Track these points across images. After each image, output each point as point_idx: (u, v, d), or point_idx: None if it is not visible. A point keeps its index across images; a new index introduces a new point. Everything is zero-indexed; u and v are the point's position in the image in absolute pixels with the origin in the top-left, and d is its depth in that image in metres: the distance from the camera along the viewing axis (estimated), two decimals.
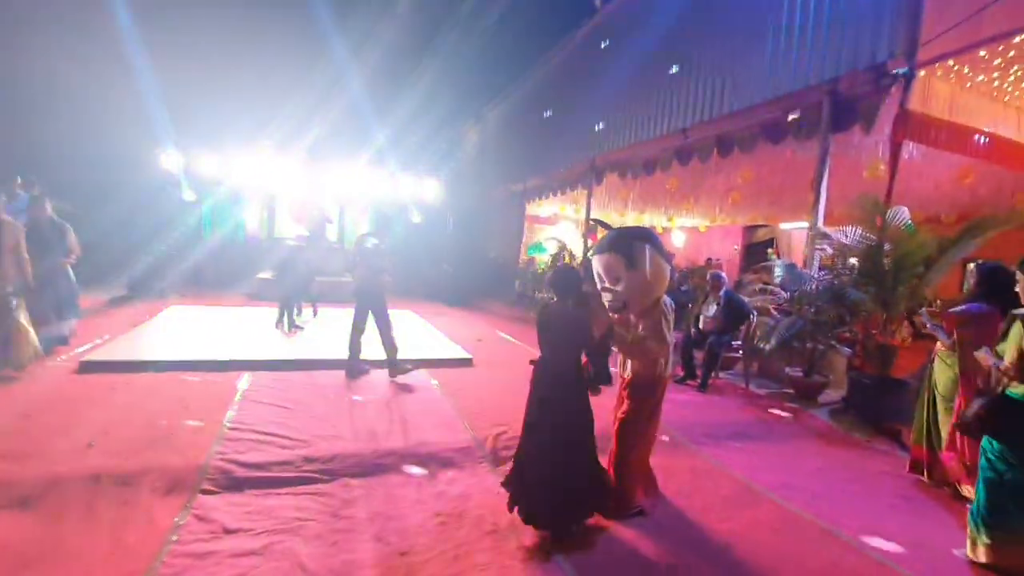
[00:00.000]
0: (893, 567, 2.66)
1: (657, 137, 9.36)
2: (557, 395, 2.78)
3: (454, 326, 8.96)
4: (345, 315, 5.73)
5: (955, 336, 3.42)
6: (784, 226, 16.47)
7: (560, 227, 18.93)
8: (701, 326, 6.03)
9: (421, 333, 7.87)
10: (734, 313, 5.80)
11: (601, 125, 11.16)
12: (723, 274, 6.23)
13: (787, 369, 5.92)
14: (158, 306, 8.66)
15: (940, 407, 3.58)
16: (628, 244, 2.86)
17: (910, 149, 6.50)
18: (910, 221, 5.30)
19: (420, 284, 13.41)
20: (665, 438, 4.16)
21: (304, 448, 3.54)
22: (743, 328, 5.96)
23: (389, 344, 5.45)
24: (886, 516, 3.23)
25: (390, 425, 4.09)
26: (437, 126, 19.06)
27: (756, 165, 8.76)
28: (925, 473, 3.70)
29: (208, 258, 12.37)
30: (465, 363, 6.23)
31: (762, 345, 5.52)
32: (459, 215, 16.17)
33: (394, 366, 5.45)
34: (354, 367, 5.42)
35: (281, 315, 7.38)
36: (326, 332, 7.33)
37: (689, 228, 18.96)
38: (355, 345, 5.42)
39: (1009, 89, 5.47)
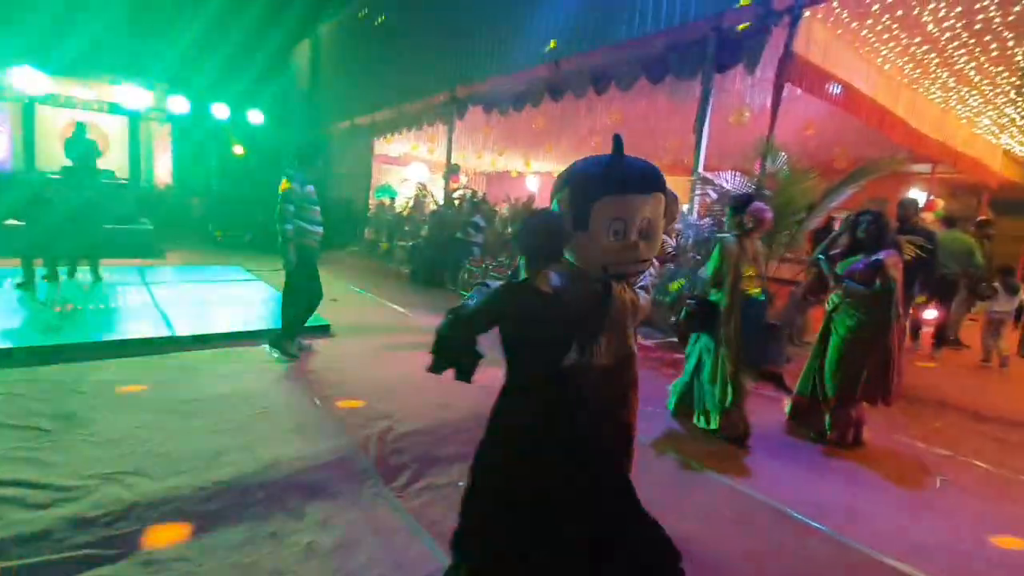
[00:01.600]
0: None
1: (527, 68, 8.52)
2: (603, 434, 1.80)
3: None
4: (133, 274, 4.10)
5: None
6: None
7: (412, 168, 17.45)
8: None
9: (260, 296, 6.32)
10: None
11: (463, 51, 9.95)
12: None
13: (672, 318, 5.78)
14: None
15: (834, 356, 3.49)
16: (663, 182, 2.02)
17: (763, 95, 6.60)
18: (786, 168, 5.33)
19: (253, 234, 11.23)
20: None
21: (70, 502, 2.23)
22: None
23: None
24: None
25: (221, 439, 2.88)
26: (257, 44, 15.86)
27: (625, 107, 8.45)
28: (800, 419, 3.69)
29: None
30: (321, 332, 5.02)
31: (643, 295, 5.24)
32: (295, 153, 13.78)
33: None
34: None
35: (27, 277, 5.30)
36: (111, 301, 5.45)
37: (544, 173, 18.83)
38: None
39: (872, 40, 5.64)
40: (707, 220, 5.81)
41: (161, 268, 7.81)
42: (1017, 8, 4.58)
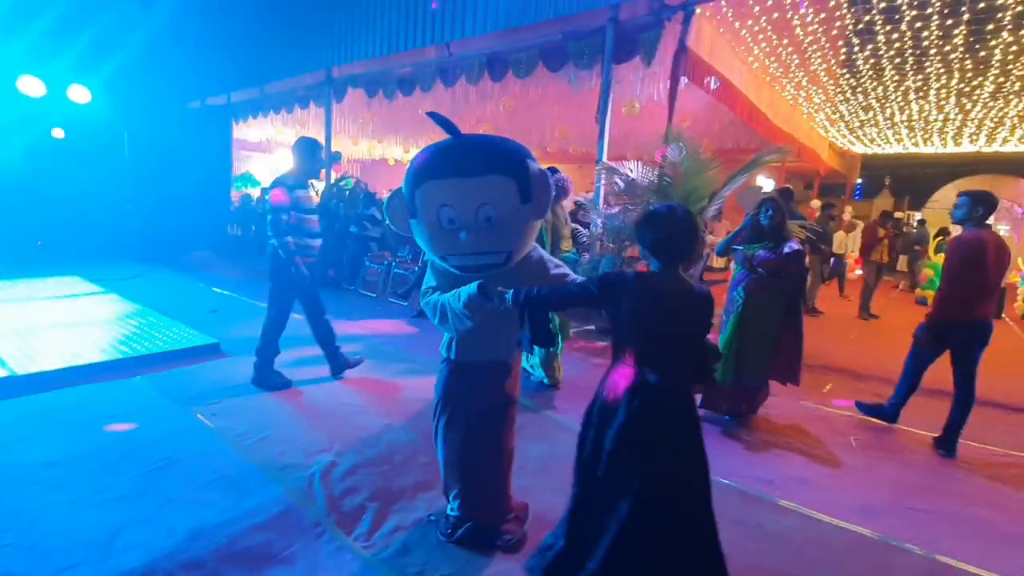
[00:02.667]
0: None
1: (415, 49, 8.02)
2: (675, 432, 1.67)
3: (162, 294, 6.32)
4: None
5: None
6: None
7: (278, 156, 15.85)
8: None
9: (116, 312, 5.20)
10: None
11: (339, 27, 9.08)
12: None
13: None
14: None
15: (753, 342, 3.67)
16: (512, 162, 1.89)
17: (658, 88, 6.94)
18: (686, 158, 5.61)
19: (93, 236, 9.32)
20: None
21: None
22: None
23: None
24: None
25: (112, 512, 2.24)
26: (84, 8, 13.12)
27: (517, 94, 8.36)
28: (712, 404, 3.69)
29: None
30: (209, 353, 4.23)
31: None
32: (137, 136, 11.70)
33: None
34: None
35: None
36: None
37: None
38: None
39: (748, 39, 6.11)
40: (616, 208, 5.94)
41: None
42: (867, 17, 5.23)
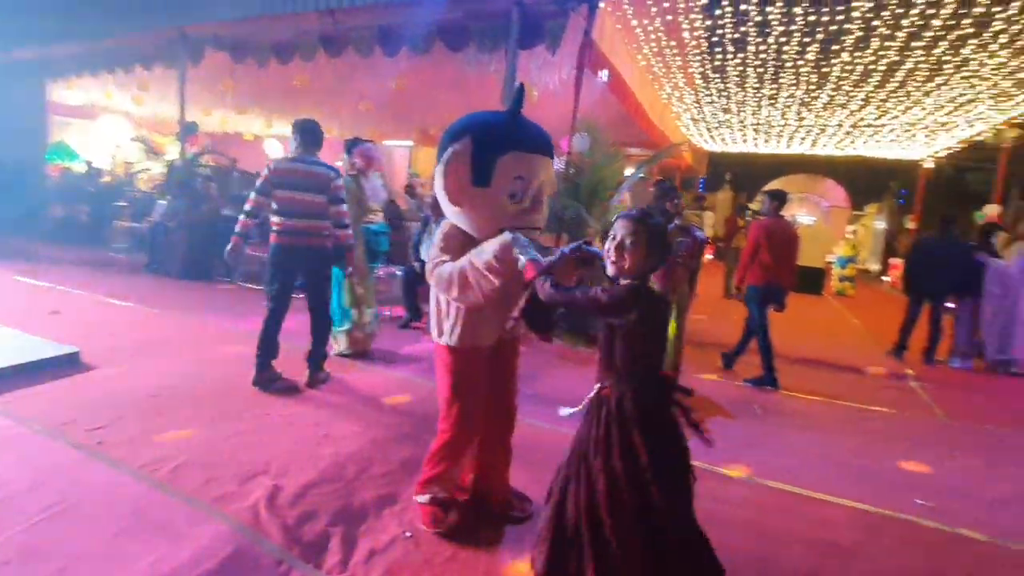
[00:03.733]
0: None
1: (294, 12, 7.21)
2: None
3: None
4: None
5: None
6: (387, 142, 16.53)
7: (103, 123, 13.40)
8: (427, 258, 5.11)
9: None
10: None
11: None
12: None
13: None
14: None
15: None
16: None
17: (554, 78, 7.07)
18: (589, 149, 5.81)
19: None
20: None
21: None
22: None
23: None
24: None
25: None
26: None
27: (414, 73, 7.95)
28: None
29: None
30: (69, 364, 3.42)
31: None
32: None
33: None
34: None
35: None
36: None
37: (286, 139, 16.66)
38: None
39: (641, 37, 6.46)
40: None
41: None
42: (743, 28, 5.82)
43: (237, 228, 3.39)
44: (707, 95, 8.54)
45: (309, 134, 3.42)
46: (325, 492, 2.36)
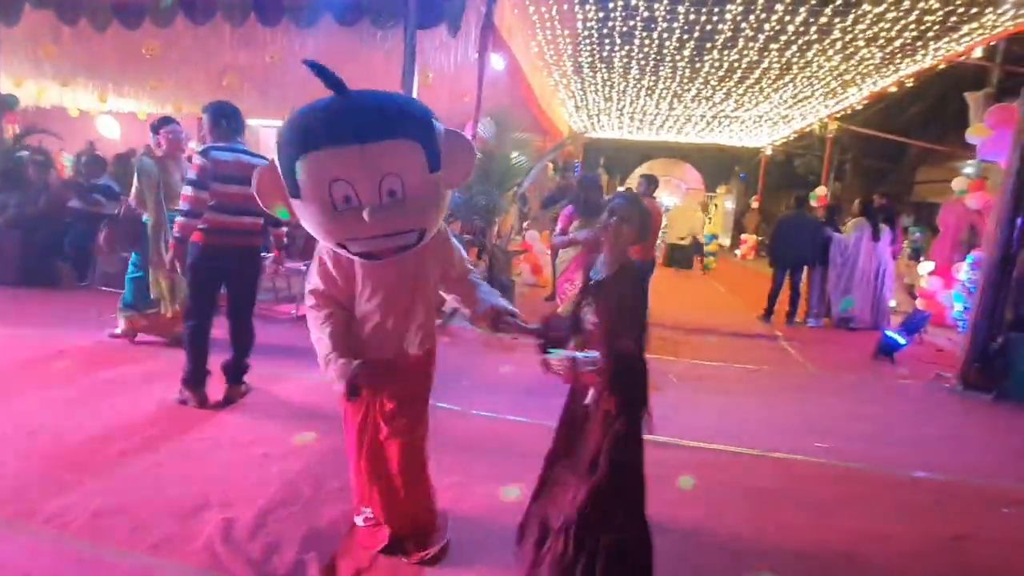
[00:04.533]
0: None
1: None
2: None
3: None
4: None
5: None
6: (252, 122, 15.05)
7: None
8: None
9: None
10: None
11: None
12: None
13: None
14: None
15: None
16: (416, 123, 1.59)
17: (450, 60, 6.94)
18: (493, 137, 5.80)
19: None
20: None
21: None
22: None
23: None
24: None
25: None
26: None
27: (292, 46, 7.24)
28: None
29: None
30: None
31: None
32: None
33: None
34: None
35: None
36: None
37: (126, 114, 14.37)
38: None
39: (536, 24, 6.53)
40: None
41: None
42: (631, 22, 6.16)
43: (176, 232, 2.86)
44: (592, 83, 8.93)
45: (233, 119, 2.99)
46: (285, 517, 2.13)
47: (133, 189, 3.93)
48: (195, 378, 2.99)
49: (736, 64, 7.26)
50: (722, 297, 9.17)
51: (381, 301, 1.74)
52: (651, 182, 5.73)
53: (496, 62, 6.29)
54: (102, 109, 13.58)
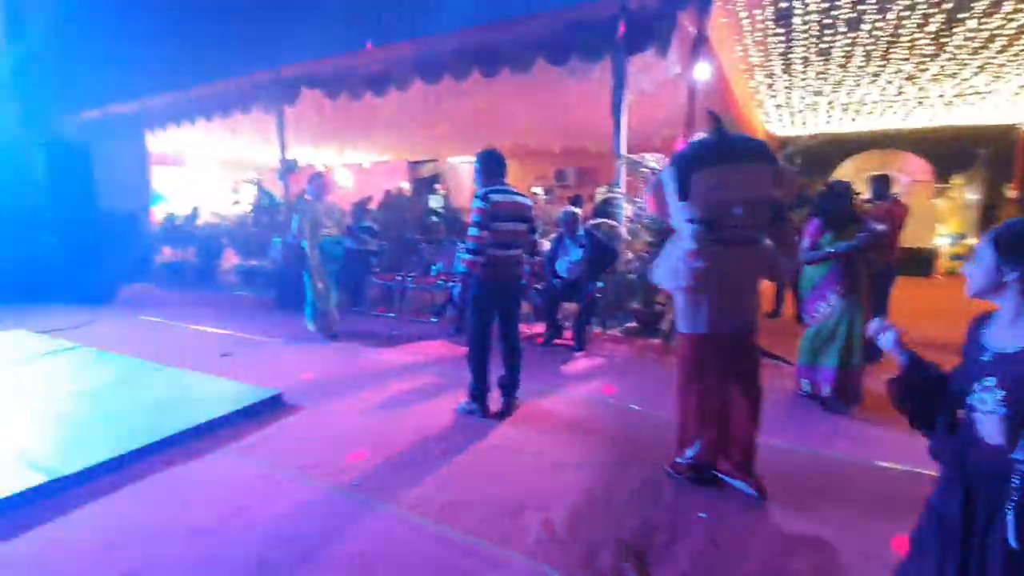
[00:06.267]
0: None
1: (385, 44, 7.40)
2: None
3: (144, 341, 5.31)
4: None
5: None
6: (452, 160, 16.77)
7: (192, 169, 14.11)
8: (566, 274, 5.08)
9: (112, 372, 4.21)
10: (601, 254, 5.08)
11: (288, 21, 8.17)
12: (578, 211, 5.41)
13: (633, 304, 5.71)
14: None
15: None
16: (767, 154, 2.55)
17: (651, 79, 6.93)
18: None
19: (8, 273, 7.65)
20: None
21: None
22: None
23: None
24: None
25: None
26: None
27: (492, 94, 7.93)
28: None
29: None
30: (274, 406, 3.54)
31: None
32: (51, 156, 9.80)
33: None
34: None
35: None
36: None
37: (354, 165, 17.17)
38: None
39: (746, 28, 6.27)
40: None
41: None
42: (861, 7, 5.55)
43: (463, 267, 3.31)
44: (803, 79, 8.22)
45: (499, 163, 3.43)
46: (594, 520, 2.33)
47: (294, 224, 5.25)
48: (480, 392, 3.42)
49: (999, 31, 6.08)
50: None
51: (721, 283, 2.41)
52: (883, 182, 5.28)
53: (702, 71, 6.17)
54: (339, 163, 16.47)
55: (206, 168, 14.05)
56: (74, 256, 7.55)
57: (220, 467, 2.80)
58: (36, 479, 2.51)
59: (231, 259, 9.83)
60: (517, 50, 6.47)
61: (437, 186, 15.97)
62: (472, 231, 3.28)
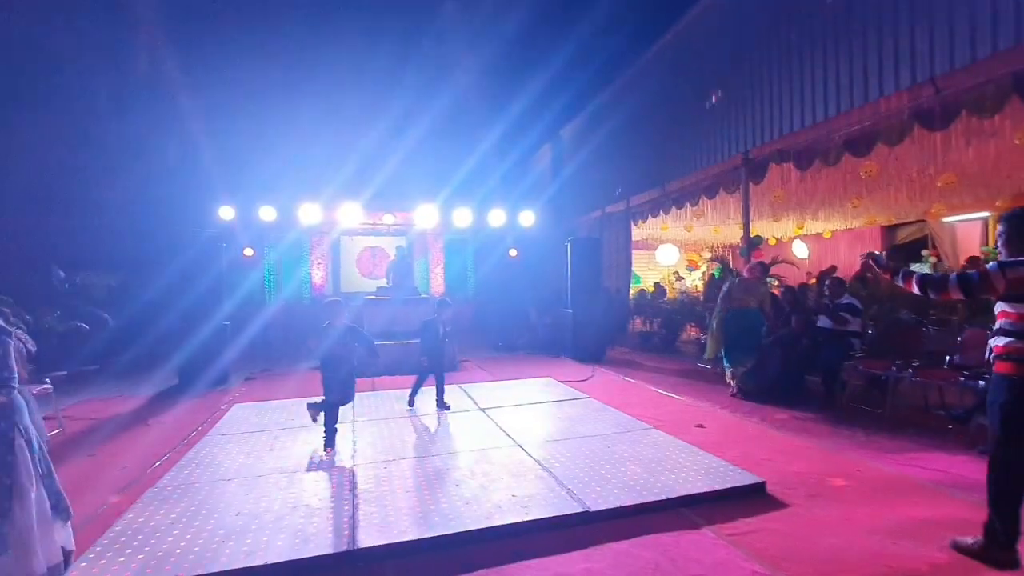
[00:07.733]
0: None
1: (875, 99, 6.54)
2: None
3: (621, 397, 6.21)
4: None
5: None
6: (946, 220, 13.19)
7: (661, 251, 16.08)
8: None
9: (609, 423, 5.07)
10: None
11: (750, 112, 8.48)
12: None
13: None
14: (217, 402, 6.42)
15: None
16: None
17: None
18: None
19: (528, 334, 10.91)
20: None
21: None
22: None
23: None
24: None
25: None
26: (504, 153, 17.09)
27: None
28: None
29: (274, 322, 10.86)
30: (755, 495, 3.42)
31: None
32: (550, 247, 13.66)
33: None
34: None
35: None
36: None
37: (811, 236, 15.79)
38: None
39: None
40: None
41: (477, 384, 7.12)
42: None
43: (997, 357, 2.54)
44: None
45: None
46: None
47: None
48: (1007, 539, 2.39)
49: None
50: None
51: None
52: None
53: None
54: (794, 235, 15.51)
55: (669, 249, 15.77)
56: (581, 324, 9.68)
57: (708, 549, 2.82)
58: (573, 507, 3.16)
59: (691, 331, 10.52)
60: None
61: (925, 252, 12.98)
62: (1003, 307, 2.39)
